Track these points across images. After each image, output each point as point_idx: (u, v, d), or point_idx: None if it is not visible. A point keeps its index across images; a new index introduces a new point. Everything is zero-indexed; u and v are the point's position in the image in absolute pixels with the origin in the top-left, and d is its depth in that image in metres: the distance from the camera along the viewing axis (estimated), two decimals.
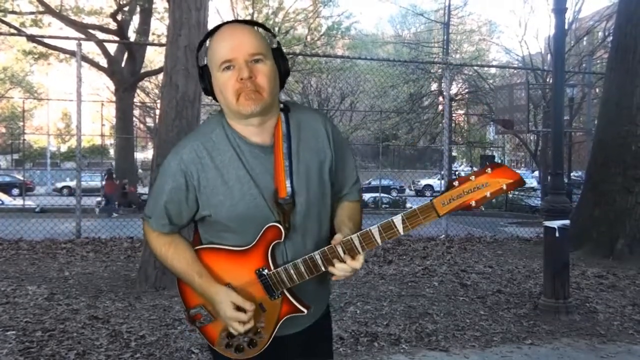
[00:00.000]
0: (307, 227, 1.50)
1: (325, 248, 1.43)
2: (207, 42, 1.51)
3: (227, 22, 1.49)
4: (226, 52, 1.40)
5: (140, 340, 3.72)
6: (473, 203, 1.35)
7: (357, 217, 1.62)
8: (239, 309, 1.44)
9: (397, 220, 1.39)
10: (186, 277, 1.51)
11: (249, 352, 1.52)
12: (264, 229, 1.44)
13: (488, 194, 1.34)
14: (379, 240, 1.40)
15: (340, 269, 1.42)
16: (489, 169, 1.34)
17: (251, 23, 1.48)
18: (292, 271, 1.44)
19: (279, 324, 1.50)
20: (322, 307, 1.67)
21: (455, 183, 1.36)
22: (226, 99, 1.43)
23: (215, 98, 1.50)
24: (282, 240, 1.45)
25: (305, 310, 1.48)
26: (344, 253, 1.41)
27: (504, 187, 1.34)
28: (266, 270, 1.46)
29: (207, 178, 1.46)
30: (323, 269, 1.44)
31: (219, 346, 1.54)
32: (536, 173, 25.82)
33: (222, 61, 1.40)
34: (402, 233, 1.40)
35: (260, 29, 1.53)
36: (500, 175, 1.33)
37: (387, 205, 18.30)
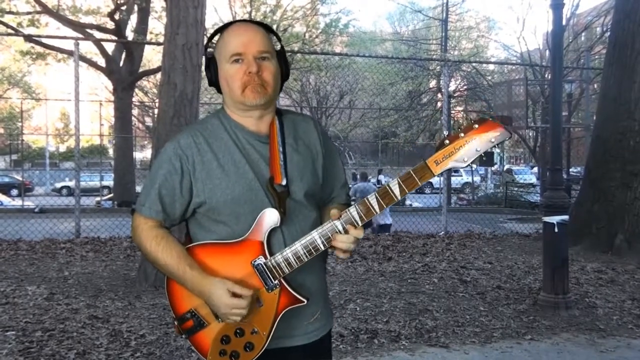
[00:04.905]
0: (304, 217, 1.51)
1: (323, 224, 1.45)
2: (217, 35, 1.58)
3: (240, 20, 1.58)
4: (237, 46, 1.49)
5: (140, 339, 3.72)
6: (465, 159, 1.38)
7: None
8: (235, 296, 1.41)
9: (394, 185, 1.41)
10: (177, 271, 1.47)
11: (246, 357, 1.47)
12: (260, 214, 1.45)
13: (478, 149, 1.38)
14: (377, 209, 1.42)
15: (341, 241, 1.43)
16: (476, 124, 1.38)
17: (261, 25, 1.56)
18: (290, 256, 1.44)
19: (277, 320, 1.46)
20: (324, 316, 1.64)
21: (446, 142, 1.39)
22: (232, 90, 1.51)
23: (217, 89, 1.57)
24: (279, 225, 1.45)
25: (305, 300, 1.46)
26: (343, 227, 1.43)
27: (492, 140, 1.37)
28: (263, 259, 1.44)
29: (203, 161, 1.50)
30: (322, 247, 1.44)
31: (212, 355, 1.49)
32: (535, 169, 25.83)
33: (232, 54, 1.49)
34: (399, 197, 1.42)
35: (269, 32, 1.59)
36: (487, 129, 1.37)
37: None
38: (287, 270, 1.44)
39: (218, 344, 1.48)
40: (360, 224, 1.43)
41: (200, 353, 1.52)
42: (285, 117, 1.60)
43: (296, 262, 1.44)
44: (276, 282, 1.45)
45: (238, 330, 1.47)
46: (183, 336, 1.54)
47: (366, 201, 1.42)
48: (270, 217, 1.45)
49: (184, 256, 1.49)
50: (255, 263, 1.45)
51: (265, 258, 1.45)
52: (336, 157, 1.70)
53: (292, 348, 1.56)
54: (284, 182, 1.48)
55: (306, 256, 1.44)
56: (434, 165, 1.39)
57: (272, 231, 1.46)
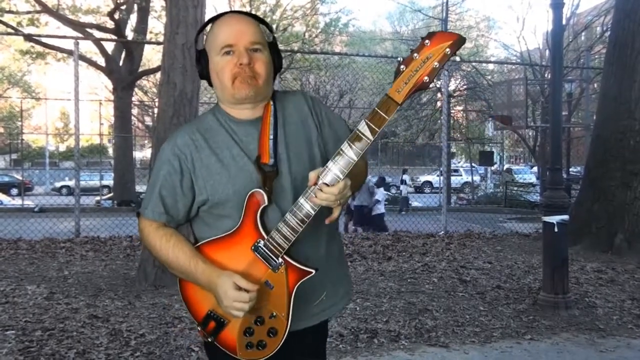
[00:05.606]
0: (298, 193, 1.46)
1: (307, 188, 1.40)
2: (208, 27, 1.56)
3: (231, 12, 1.56)
4: (228, 38, 1.46)
5: (140, 338, 3.72)
6: (426, 79, 1.33)
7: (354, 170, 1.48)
8: (240, 290, 1.40)
9: (362, 127, 1.36)
10: (189, 266, 1.47)
11: (272, 343, 1.47)
12: (246, 198, 1.43)
13: (436, 64, 1.32)
14: (353, 156, 1.36)
15: (322, 199, 1.37)
16: (427, 40, 1.32)
17: (252, 16, 1.54)
18: (284, 229, 1.40)
19: (292, 298, 1.45)
20: (343, 288, 1.67)
21: (402, 67, 1.34)
22: (222, 82, 1.49)
23: (209, 82, 1.54)
24: (270, 204, 1.43)
25: (313, 271, 1.44)
26: (325, 184, 1.37)
27: (448, 51, 1.31)
28: (261, 242, 1.43)
29: (202, 158, 1.49)
30: (312, 211, 1.39)
31: (242, 351, 1.49)
32: (535, 169, 25.85)
33: (223, 45, 1.46)
34: (372, 138, 1.36)
35: (260, 23, 1.58)
36: (440, 42, 1.31)
37: (386, 203, 18.29)
38: (286, 245, 1.41)
39: (242, 337, 1.48)
40: (342, 177, 1.37)
41: (230, 352, 1.51)
42: (277, 100, 1.57)
43: (292, 234, 1.40)
44: (279, 260, 1.43)
45: (258, 319, 1.46)
46: (209, 339, 1.52)
47: (341, 151, 1.37)
48: (258, 198, 1.43)
49: (196, 252, 1.49)
50: (254, 247, 1.44)
51: (263, 239, 1.43)
52: (337, 120, 1.66)
53: (309, 328, 1.57)
54: (271, 162, 1.47)
55: (299, 225, 1.39)
56: (397, 94, 1.34)
57: (268, 212, 1.45)
